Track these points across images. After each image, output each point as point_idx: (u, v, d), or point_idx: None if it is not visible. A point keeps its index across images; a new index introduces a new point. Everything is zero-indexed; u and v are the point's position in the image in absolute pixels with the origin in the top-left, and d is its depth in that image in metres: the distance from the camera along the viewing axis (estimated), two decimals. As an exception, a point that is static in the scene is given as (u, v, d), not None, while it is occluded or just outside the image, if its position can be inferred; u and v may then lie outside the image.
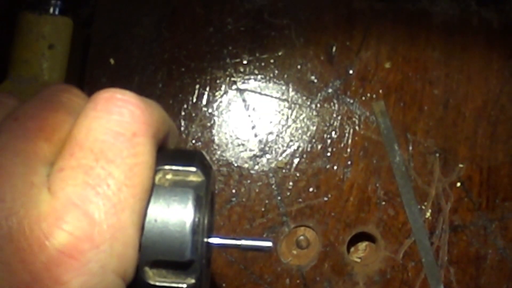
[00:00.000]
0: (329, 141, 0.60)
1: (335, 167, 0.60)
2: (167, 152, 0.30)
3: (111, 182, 0.24)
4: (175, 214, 0.27)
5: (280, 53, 0.62)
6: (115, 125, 0.25)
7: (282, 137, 0.60)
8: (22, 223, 0.22)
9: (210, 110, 0.60)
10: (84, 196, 0.23)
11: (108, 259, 0.23)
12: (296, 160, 0.60)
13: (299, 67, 0.61)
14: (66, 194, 0.23)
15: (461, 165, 0.61)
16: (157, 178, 0.28)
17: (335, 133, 0.60)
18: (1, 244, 0.22)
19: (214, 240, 0.31)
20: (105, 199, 0.24)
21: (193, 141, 0.60)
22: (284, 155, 0.60)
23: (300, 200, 0.59)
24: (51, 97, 0.27)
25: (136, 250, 0.25)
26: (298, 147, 0.60)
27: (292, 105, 0.61)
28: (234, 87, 0.61)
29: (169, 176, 0.28)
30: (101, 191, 0.24)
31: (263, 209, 0.59)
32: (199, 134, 0.60)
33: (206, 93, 0.61)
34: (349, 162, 0.60)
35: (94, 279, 0.23)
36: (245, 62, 0.61)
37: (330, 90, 0.61)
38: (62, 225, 0.23)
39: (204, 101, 0.61)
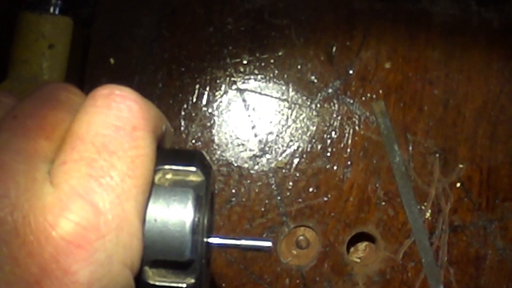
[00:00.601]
0: (329, 141, 0.60)
1: (335, 167, 0.60)
2: (166, 151, 0.30)
3: (114, 173, 0.24)
4: (175, 214, 0.27)
5: (280, 53, 0.62)
6: (115, 120, 0.26)
7: (282, 137, 0.60)
8: (27, 217, 0.23)
9: (210, 110, 0.60)
10: (88, 187, 0.23)
11: (115, 249, 0.23)
12: (296, 160, 0.60)
13: (299, 67, 0.61)
14: (70, 186, 0.23)
15: (461, 166, 0.61)
16: (156, 177, 0.28)
17: (335, 133, 0.60)
18: (8, 239, 0.22)
19: (214, 240, 0.31)
20: (109, 189, 0.24)
21: (193, 141, 0.60)
22: (284, 155, 0.60)
23: (300, 200, 0.59)
24: (49, 95, 0.27)
25: (141, 241, 0.25)
26: (298, 147, 0.60)
27: (292, 105, 0.61)
28: (234, 87, 0.61)
29: (169, 176, 0.28)
30: (105, 182, 0.24)
31: (263, 209, 0.59)
32: (199, 134, 0.60)
33: (206, 93, 0.61)
34: (349, 162, 0.60)
35: (102, 269, 0.23)
36: (245, 62, 0.61)
37: (330, 90, 0.61)
38: (67, 215, 0.23)
39: (204, 101, 0.61)
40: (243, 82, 0.61)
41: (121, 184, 0.24)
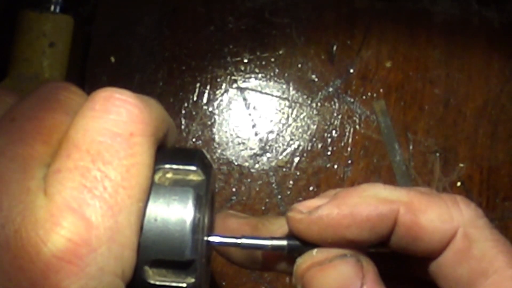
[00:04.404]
0: (329, 140, 0.60)
1: (336, 166, 0.60)
2: (167, 150, 0.30)
3: (107, 184, 0.24)
4: (175, 213, 0.27)
5: (280, 52, 0.62)
6: (112, 125, 0.25)
7: (282, 136, 0.60)
8: (19, 231, 0.22)
9: (210, 109, 0.60)
10: (81, 199, 0.23)
11: (106, 261, 0.23)
12: (296, 159, 0.60)
13: (299, 66, 0.61)
14: (63, 198, 0.23)
15: (461, 165, 0.61)
16: (157, 177, 0.28)
17: (336, 132, 0.60)
18: None
19: (214, 239, 0.31)
20: (101, 201, 0.24)
21: (194, 140, 0.60)
22: (284, 154, 0.60)
23: (301, 199, 0.59)
24: (49, 95, 0.27)
25: (133, 250, 0.25)
26: (299, 146, 0.60)
27: (293, 104, 0.61)
28: (234, 85, 0.61)
29: (169, 175, 0.28)
30: (98, 194, 0.24)
31: (263, 208, 0.59)
32: (200, 133, 0.60)
33: (206, 91, 0.61)
34: (349, 161, 0.60)
35: (93, 282, 0.23)
36: (245, 60, 0.61)
37: (330, 89, 0.61)
38: (59, 231, 0.23)
39: (204, 100, 0.61)
40: (244, 81, 0.61)
41: (114, 195, 0.24)
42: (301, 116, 0.61)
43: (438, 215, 0.28)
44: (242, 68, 0.61)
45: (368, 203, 0.28)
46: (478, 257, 0.27)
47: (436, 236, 0.28)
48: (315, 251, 0.30)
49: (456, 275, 0.28)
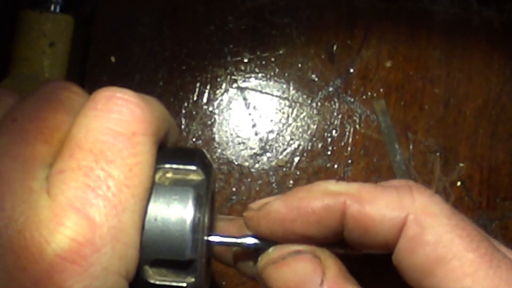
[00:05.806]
0: (329, 139, 0.60)
1: (336, 166, 0.60)
2: (167, 150, 0.30)
3: (111, 183, 0.24)
4: (175, 213, 0.27)
5: (281, 52, 0.62)
6: (114, 124, 0.25)
7: (282, 136, 0.60)
8: (22, 231, 0.22)
9: (210, 108, 0.60)
10: (84, 199, 0.23)
11: (110, 261, 0.23)
12: (296, 159, 0.60)
13: (300, 65, 0.61)
14: (67, 198, 0.23)
15: (461, 164, 0.61)
16: (157, 176, 0.28)
17: (336, 132, 0.60)
18: (2, 253, 0.22)
19: (214, 239, 0.31)
20: (105, 200, 0.24)
21: (194, 139, 0.60)
22: (284, 153, 0.60)
23: (301, 198, 0.59)
24: (50, 95, 0.27)
25: (137, 249, 0.25)
26: (299, 145, 0.60)
27: (293, 104, 0.61)
28: (234, 85, 0.61)
29: (169, 175, 0.28)
30: (101, 193, 0.24)
31: (263, 208, 0.59)
32: (200, 132, 0.60)
33: (206, 91, 0.61)
34: (349, 161, 0.60)
35: (97, 282, 0.23)
36: (246, 60, 0.61)
37: (330, 89, 0.61)
38: (63, 231, 0.23)
39: (204, 99, 0.61)
40: (244, 81, 0.61)
41: (118, 194, 0.24)
42: (301, 116, 0.61)
43: (386, 204, 0.27)
44: (242, 68, 0.61)
45: (313, 197, 0.28)
46: (432, 243, 0.26)
47: (385, 225, 0.27)
48: (271, 248, 0.29)
49: (412, 264, 0.27)
